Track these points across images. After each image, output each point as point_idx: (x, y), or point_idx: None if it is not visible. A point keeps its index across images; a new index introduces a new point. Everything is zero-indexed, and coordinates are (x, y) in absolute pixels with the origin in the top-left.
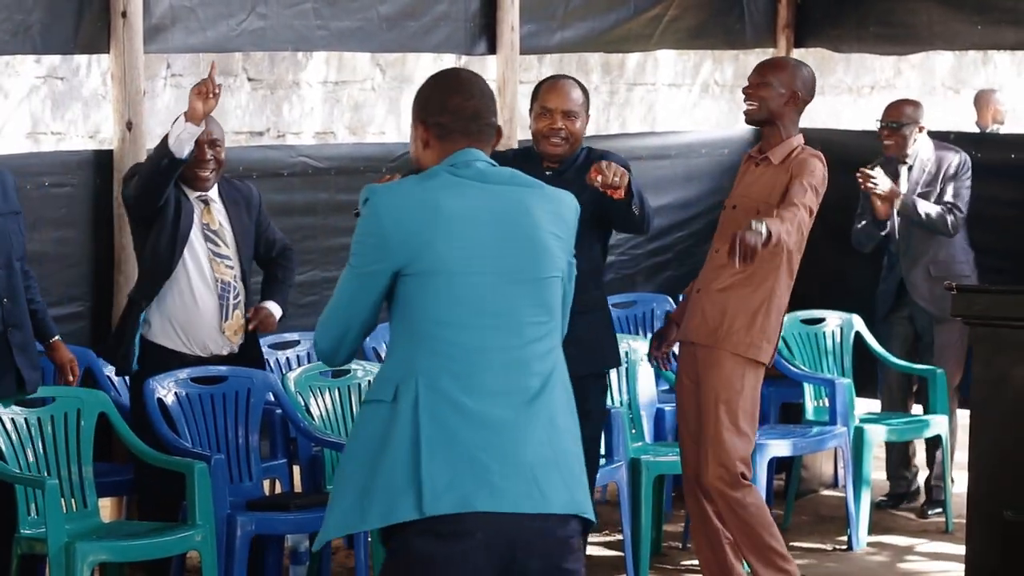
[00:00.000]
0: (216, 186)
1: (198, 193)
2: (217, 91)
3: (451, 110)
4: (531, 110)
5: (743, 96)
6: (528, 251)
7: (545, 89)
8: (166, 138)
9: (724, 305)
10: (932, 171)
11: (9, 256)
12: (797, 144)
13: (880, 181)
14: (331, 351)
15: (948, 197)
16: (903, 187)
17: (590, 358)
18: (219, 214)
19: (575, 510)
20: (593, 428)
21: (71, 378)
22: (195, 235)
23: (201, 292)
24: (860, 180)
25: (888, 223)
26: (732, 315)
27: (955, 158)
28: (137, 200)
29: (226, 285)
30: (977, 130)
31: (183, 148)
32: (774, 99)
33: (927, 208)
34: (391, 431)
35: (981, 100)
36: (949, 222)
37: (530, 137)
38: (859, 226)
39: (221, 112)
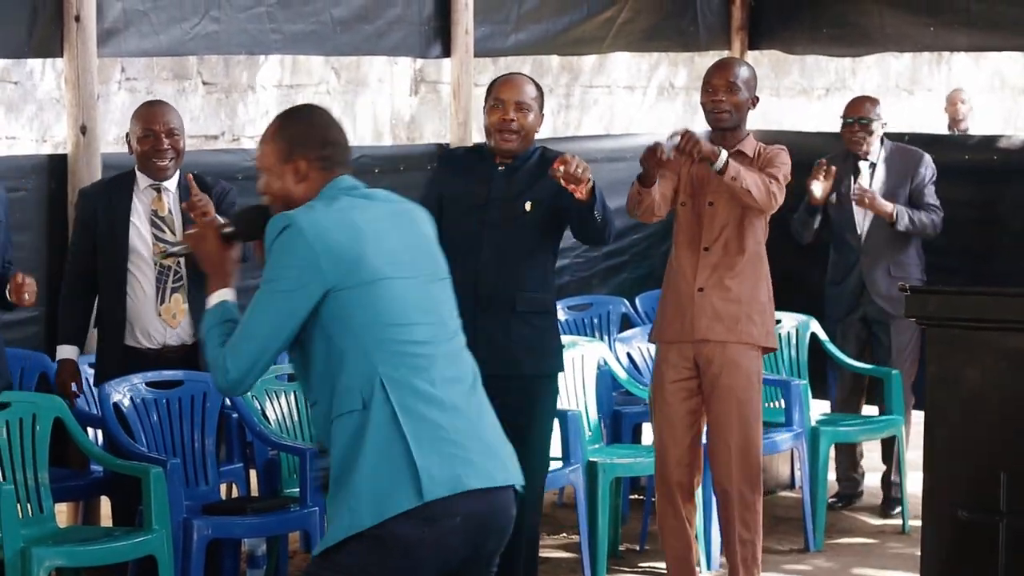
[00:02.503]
0: (178, 177)
1: (151, 181)
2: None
3: (331, 142)
4: (485, 106)
5: (712, 103)
6: (428, 255)
7: (500, 83)
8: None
9: (737, 299)
10: (898, 169)
11: None
12: (754, 139)
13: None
14: (240, 378)
15: (931, 199)
16: (866, 183)
17: (540, 360)
18: (171, 202)
19: (520, 483)
20: (543, 428)
21: (26, 296)
22: (141, 222)
23: (141, 276)
24: (822, 170)
25: (819, 211)
26: (747, 307)
27: (925, 158)
28: None
29: (165, 268)
30: (946, 131)
31: None
32: (743, 104)
33: (919, 216)
34: (365, 434)
35: (948, 100)
36: (937, 224)
37: (481, 140)
38: (795, 215)
39: None
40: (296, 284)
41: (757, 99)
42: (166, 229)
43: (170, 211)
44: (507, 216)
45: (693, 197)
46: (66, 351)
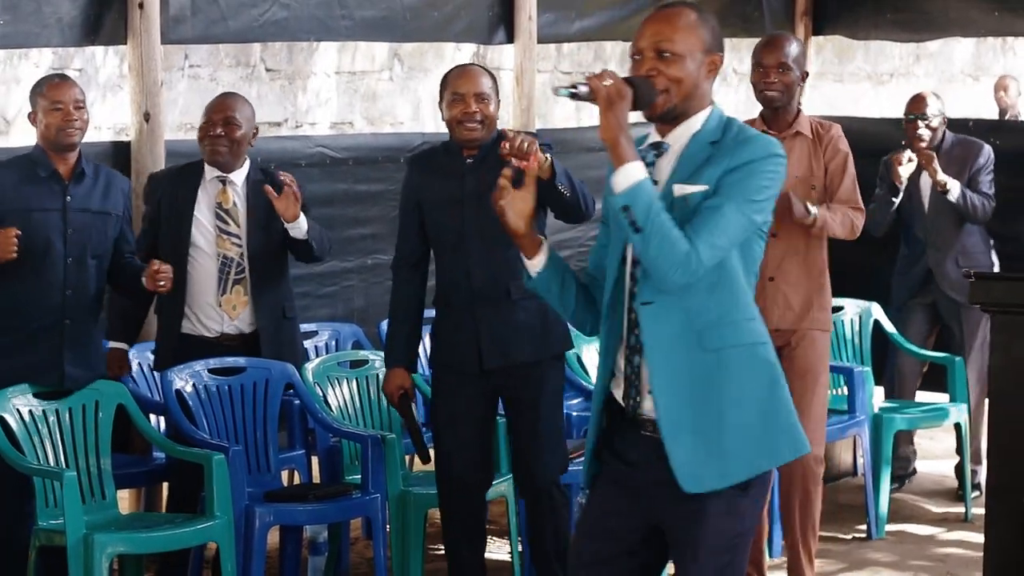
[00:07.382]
0: (247, 171)
1: (217, 173)
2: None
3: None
4: (441, 101)
5: (764, 83)
6: None
7: (454, 76)
8: None
9: (807, 289)
10: (957, 159)
11: (83, 251)
12: (804, 113)
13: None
14: (707, 268)
15: (985, 188)
16: (927, 176)
17: (543, 344)
18: (236, 195)
19: None
20: (555, 414)
21: (161, 284)
22: (203, 214)
23: (202, 265)
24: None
25: (900, 192)
26: (815, 297)
27: (984, 149)
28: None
29: (228, 260)
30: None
31: None
32: (793, 83)
33: (970, 195)
34: (775, 372)
35: (997, 86)
36: (987, 211)
37: (543, 126)
38: (872, 205)
39: None
40: (768, 208)
41: (807, 74)
42: (230, 221)
43: (235, 203)
44: (485, 207)
45: None
46: None
